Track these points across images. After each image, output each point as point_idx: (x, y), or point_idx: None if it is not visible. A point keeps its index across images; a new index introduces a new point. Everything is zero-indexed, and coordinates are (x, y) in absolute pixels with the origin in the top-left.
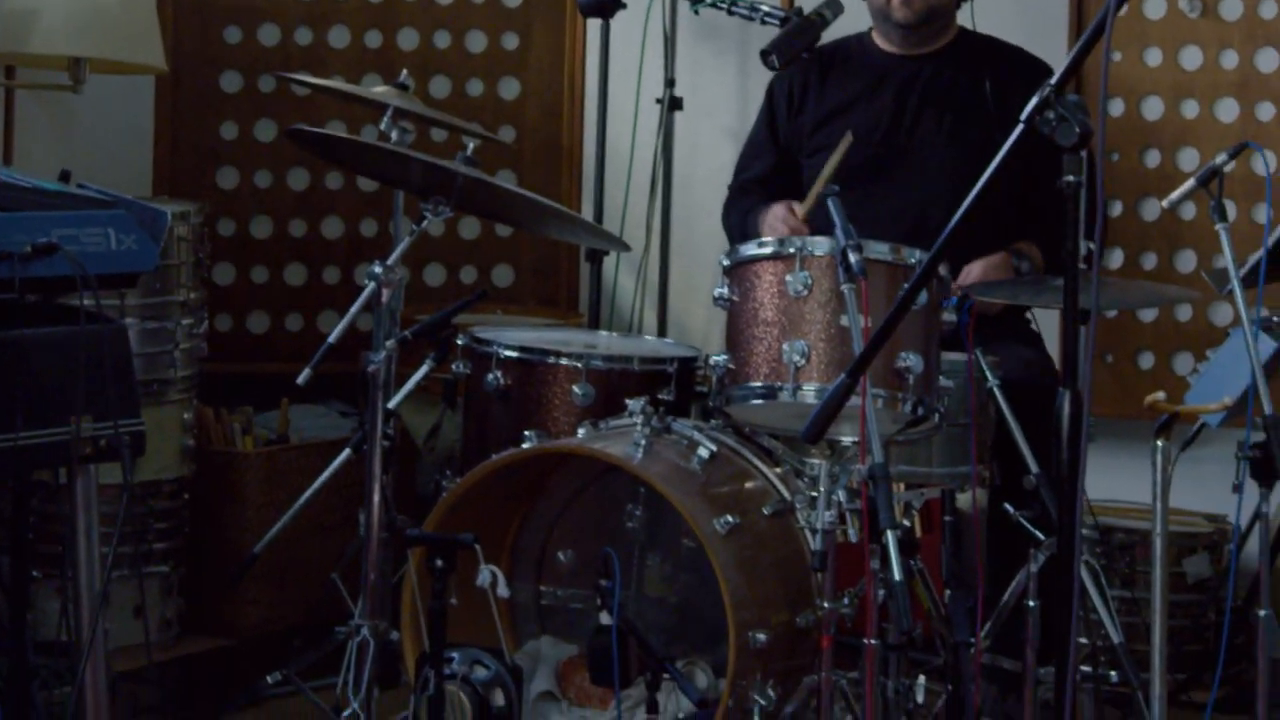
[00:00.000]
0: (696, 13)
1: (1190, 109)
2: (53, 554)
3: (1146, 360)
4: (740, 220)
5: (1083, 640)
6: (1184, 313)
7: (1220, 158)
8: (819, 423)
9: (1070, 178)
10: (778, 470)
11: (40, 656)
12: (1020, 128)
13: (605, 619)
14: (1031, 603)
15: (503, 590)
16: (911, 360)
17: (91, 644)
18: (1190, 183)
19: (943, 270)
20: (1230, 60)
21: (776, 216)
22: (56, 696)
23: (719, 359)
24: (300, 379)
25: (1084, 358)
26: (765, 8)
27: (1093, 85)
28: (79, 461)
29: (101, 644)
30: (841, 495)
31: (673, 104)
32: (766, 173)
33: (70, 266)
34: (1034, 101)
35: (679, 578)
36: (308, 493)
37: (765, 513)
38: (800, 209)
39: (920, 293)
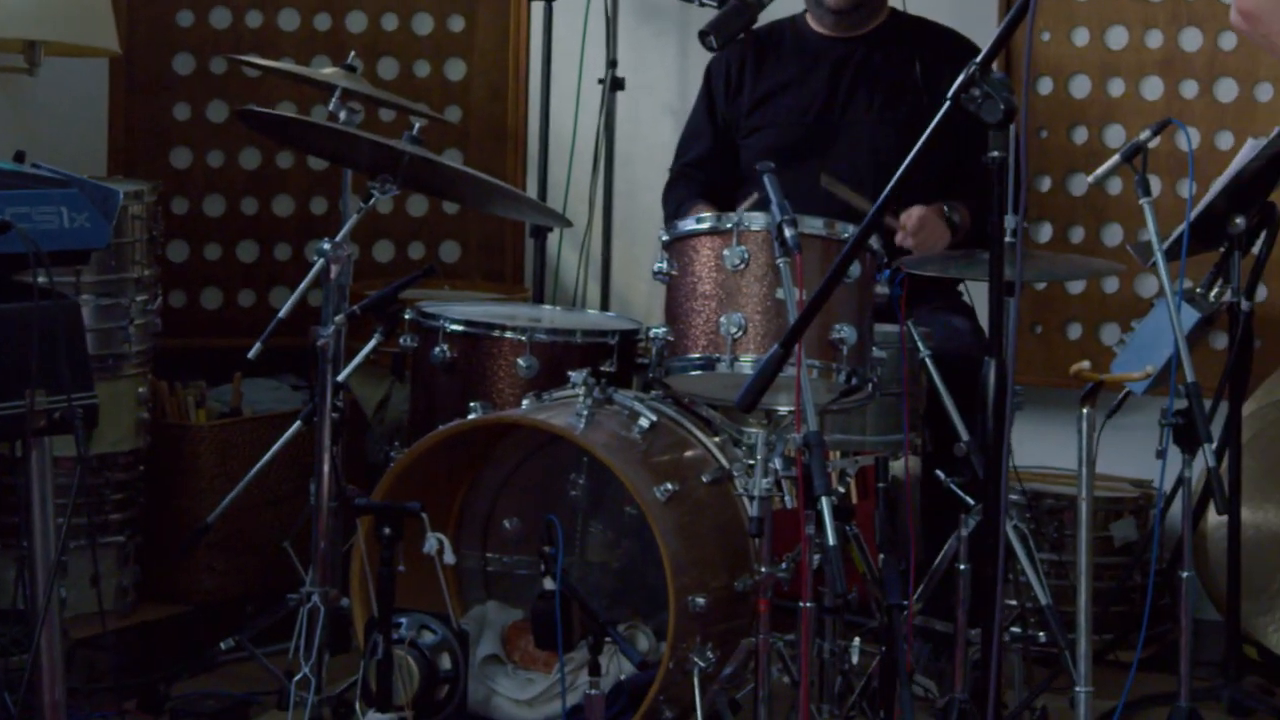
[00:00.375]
0: None
1: (1116, 87)
2: (11, 524)
3: (1074, 331)
4: (674, 210)
5: (1012, 602)
6: (1111, 284)
7: (1144, 134)
8: (753, 392)
9: (995, 153)
10: (716, 439)
11: (1, 624)
12: (947, 105)
13: (549, 584)
14: (962, 566)
15: (449, 557)
16: (845, 332)
17: (46, 611)
18: (1115, 158)
19: (875, 244)
20: (1155, 40)
21: None
22: (14, 663)
23: (659, 331)
24: (251, 353)
25: (1010, 329)
26: None
27: (1022, 64)
28: (33, 434)
29: (56, 612)
30: (778, 463)
31: (615, 84)
32: (705, 154)
33: (24, 244)
34: (960, 79)
35: (621, 544)
36: (260, 464)
37: (704, 480)
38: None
39: (851, 265)
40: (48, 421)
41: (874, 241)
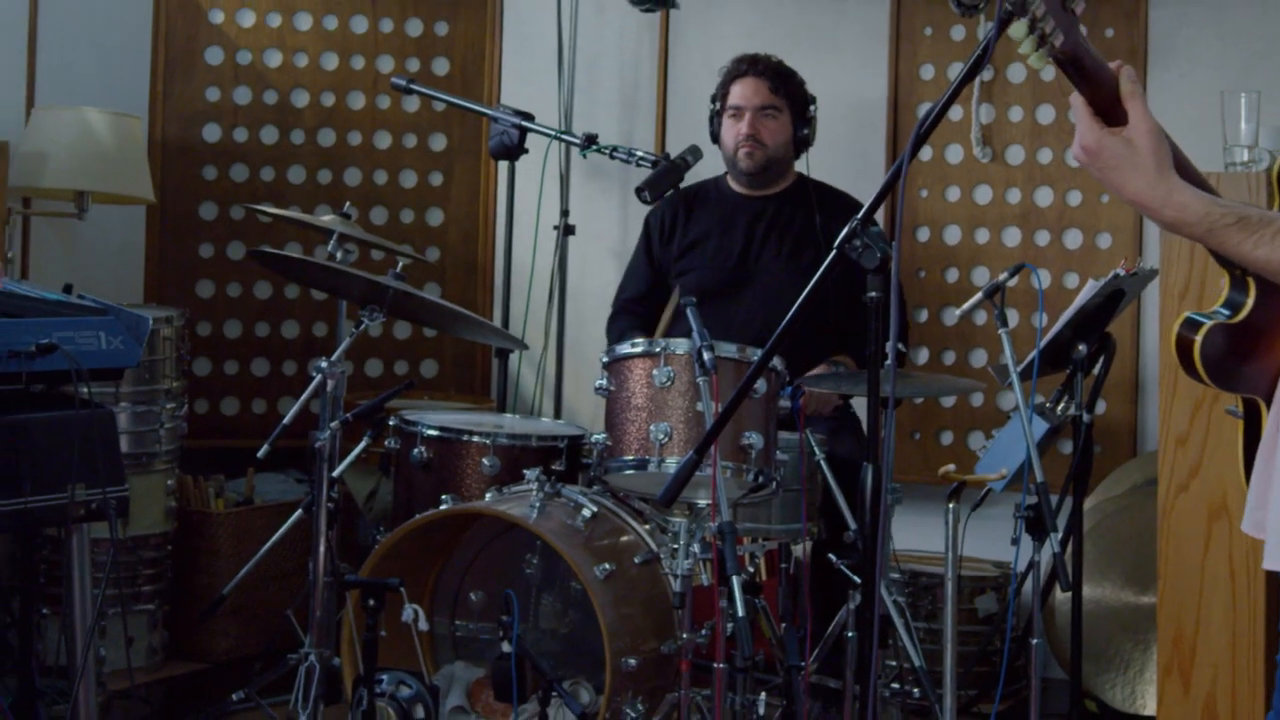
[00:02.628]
0: (585, 157)
1: (982, 235)
2: (60, 594)
3: (947, 437)
4: (616, 339)
5: (892, 663)
6: (977, 399)
7: (1003, 276)
8: (672, 490)
9: (873, 294)
10: (646, 527)
11: (49, 678)
12: (833, 253)
13: (506, 647)
14: (850, 634)
15: (423, 624)
16: (754, 438)
17: (83, 669)
18: (979, 295)
19: (779, 365)
20: (1014, 196)
21: None
22: (57, 711)
23: (599, 437)
24: (261, 452)
25: (889, 437)
26: (640, 153)
27: (905, 217)
28: (73, 522)
29: (92, 668)
30: (697, 547)
31: (567, 230)
32: (643, 292)
33: (67, 362)
34: (844, 232)
35: (567, 614)
36: (268, 545)
37: (636, 561)
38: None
39: (756, 383)
40: (86, 511)
41: (778, 363)
